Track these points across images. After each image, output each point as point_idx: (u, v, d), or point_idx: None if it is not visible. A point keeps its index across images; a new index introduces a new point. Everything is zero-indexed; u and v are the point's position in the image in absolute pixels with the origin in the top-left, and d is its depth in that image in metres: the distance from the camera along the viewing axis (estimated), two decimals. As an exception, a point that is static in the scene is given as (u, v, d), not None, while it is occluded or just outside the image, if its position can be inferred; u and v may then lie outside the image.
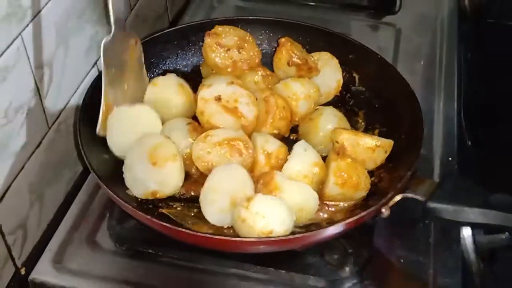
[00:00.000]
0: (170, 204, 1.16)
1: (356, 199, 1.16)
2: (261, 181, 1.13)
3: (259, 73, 1.33)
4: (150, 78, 1.35)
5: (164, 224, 1.03)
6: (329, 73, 1.35)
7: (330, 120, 1.25)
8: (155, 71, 1.38)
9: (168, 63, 1.40)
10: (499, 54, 1.62)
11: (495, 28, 1.73)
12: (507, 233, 1.22)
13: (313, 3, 1.74)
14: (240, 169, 1.13)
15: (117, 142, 1.19)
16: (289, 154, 1.18)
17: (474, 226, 1.16)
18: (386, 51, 1.56)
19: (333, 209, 1.16)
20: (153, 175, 1.12)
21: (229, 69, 1.30)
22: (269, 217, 1.05)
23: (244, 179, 1.12)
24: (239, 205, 1.07)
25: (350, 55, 1.37)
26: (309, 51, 1.37)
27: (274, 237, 1.03)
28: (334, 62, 1.36)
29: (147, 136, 1.17)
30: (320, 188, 1.16)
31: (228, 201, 1.09)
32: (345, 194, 1.15)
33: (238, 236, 1.07)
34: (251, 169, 1.16)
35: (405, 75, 1.28)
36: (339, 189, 1.14)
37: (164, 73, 1.36)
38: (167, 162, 1.12)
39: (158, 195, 1.13)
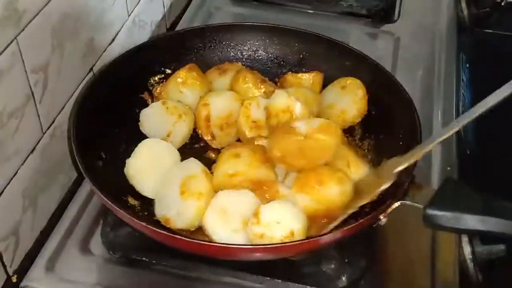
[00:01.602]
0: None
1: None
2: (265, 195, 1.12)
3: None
4: (145, 85, 1.36)
5: (160, 231, 1.02)
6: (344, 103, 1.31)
7: None
8: (150, 76, 1.37)
9: (163, 69, 1.39)
10: (498, 63, 1.61)
11: (493, 38, 1.73)
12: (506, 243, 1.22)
13: (311, 11, 1.74)
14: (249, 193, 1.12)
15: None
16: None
17: (474, 233, 1.15)
18: (385, 59, 1.56)
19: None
20: (176, 203, 1.10)
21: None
22: (283, 220, 1.03)
23: (254, 201, 1.10)
24: (250, 224, 1.05)
25: (347, 61, 1.36)
26: (306, 58, 1.37)
27: (268, 244, 1.02)
28: (351, 96, 1.31)
29: (191, 163, 1.16)
30: None
31: (241, 221, 1.08)
32: (317, 200, 1.12)
33: (234, 243, 1.05)
34: None
35: (404, 84, 1.27)
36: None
37: (159, 79, 1.37)
38: (191, 198, 1.10)
39: (169, 225, 1.10)
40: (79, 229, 1.19)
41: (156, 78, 1.37)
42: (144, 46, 1.35)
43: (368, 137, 1.29)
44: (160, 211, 1.12)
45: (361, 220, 1.03)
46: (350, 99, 1.30)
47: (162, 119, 1.25)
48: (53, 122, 1.20)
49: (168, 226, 1.10)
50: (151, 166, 1.16)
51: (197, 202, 1.09)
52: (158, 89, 1.33)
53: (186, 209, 1.09)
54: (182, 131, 1.26)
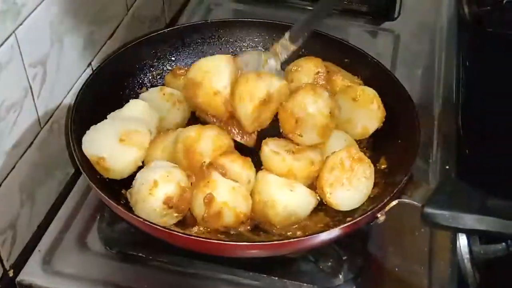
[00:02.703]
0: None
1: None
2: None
3: None
4: (143, 80, 1.36)
5: (157, 226, 1.01)
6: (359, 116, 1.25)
7: (339, 145, 1.20)
8: (149, 71, 1.37)
9: (162, 64, 1.39)
10: (498, 63, 1.61)
11: (494, 37, 1.72)
12: (503, 243, 1.21)
13: (311, 8, 1.73)
14: None
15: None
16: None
17: (471, 232, 1.14)
18: (385, 57, 1.55)
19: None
20: (112, 147, 1.11)
21: None
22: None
23: None
24: None
25: (346, 58, 1.35)
26: (306, 55, 1.36)
27: (265, 241, 1.01)
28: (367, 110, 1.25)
29: (132, 120, 1.17)
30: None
31: None
32: None
33: (231, 240, 1.05)
34: None
35: (403, 82, 1.27)
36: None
37: (157, 75, 1.37)
38: (133, 147, 1.12)
39: (101, 164, 1.10)
40: (76, 224, 1.19)
41: (155, 74, 1.37)
42: (143, 42, 1.34)
43: (366, 134, 1.29)
44: (93, 150, 1.12)
45: (358, 218, 1.03)
46: (367, 114, 1.24)
47: (157, 104, 1.25)
48: (51, 116, 1.20)
49: (99, 165, 1.11)
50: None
51: (137, 152, 1.12)
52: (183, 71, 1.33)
53: (123, 154, 1.11)
54: (175, 118, 1.26)
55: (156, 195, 1.05)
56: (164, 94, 1.26)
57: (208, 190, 1.07)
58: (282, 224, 1.10)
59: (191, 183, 1.11)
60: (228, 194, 1.08)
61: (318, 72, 1.30)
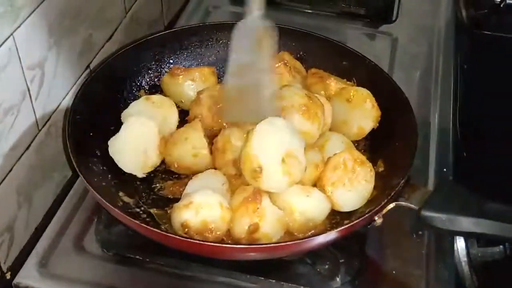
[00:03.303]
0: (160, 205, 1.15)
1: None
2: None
3: None
4: (141, 83, 1.36)
5: (153, 229, 1.01)
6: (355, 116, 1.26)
7: (338, 147, 1.20)
8: (147, 74, 1.37)
9: (161, 66, 1.39)
10: (496, 65, 1.61)
11: (491, 40, 1.73)
12: (501, 246, 1.21)
13: (310, 11, 1.74)
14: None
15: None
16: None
17: (468, 235, 1.15)
18: (382, 60, 1.55)
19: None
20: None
21: None
22: None
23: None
24: None
25: (344, 61, 1.36)
26: (303, 57, 1.37)
27: (263, 244, 1.01)
28: (361, 110, 1.26)
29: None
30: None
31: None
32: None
33: (227, 243, 1.05)
34: None
35: (401, 85, 1.27)
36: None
37: (155, 77, 1.37)
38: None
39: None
40: (73, 226, 1.19)
41: (153, 76, 1.37)
42: (141, 44, 1.35)
43: (364, 138, 1.29)
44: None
45: (356, 221, 1.03)
46: (361, 114, 1.25)
47: (151, 114, 1.22)
48: (48, 119, 1.19)
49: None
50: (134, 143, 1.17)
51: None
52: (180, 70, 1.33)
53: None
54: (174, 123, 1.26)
55: (183, 213, 1.06)
56: (153, 102, 1.25)
57: (256, 218, 1.06)
58: (300, 231, 1.10)
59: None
60: (272, 226, 1.07)
61: (282, 62, 1.32)
